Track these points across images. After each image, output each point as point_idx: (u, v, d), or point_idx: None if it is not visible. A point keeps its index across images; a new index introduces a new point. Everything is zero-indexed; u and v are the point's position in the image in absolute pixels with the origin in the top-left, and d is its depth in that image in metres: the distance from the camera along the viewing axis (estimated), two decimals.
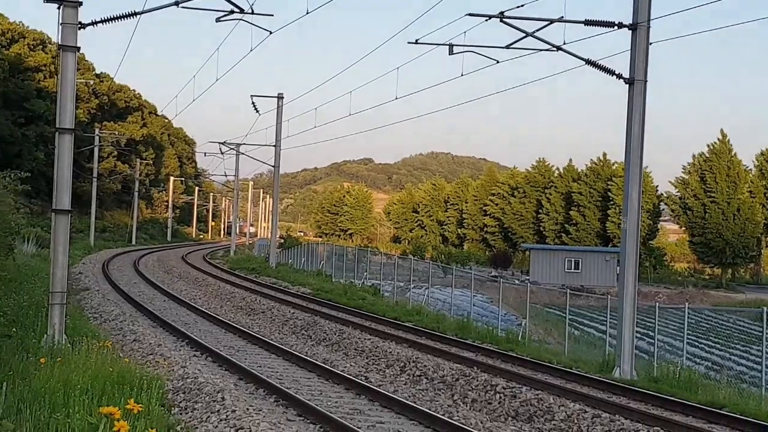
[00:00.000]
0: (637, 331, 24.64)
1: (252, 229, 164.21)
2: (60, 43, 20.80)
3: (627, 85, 23.94)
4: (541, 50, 24.88)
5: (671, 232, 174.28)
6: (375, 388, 19.18)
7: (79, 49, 20.88)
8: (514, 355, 25.57)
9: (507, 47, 24.76)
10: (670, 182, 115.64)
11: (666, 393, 20.40)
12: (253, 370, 20.22)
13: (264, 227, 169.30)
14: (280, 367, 22.26)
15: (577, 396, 19.46)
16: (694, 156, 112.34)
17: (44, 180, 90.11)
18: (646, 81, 23.87)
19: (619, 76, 24.03)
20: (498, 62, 25.79)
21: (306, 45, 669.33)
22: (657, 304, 31.13)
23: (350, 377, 20.33)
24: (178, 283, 50.45)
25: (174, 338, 26.27)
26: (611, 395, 20.35)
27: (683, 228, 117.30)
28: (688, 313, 28.05)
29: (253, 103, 59.30)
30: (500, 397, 19.27)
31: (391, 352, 24.37)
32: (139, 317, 31.15)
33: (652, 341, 41.86)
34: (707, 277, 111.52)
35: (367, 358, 24.49)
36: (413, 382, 21.47)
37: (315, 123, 52.35)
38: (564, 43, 24.17)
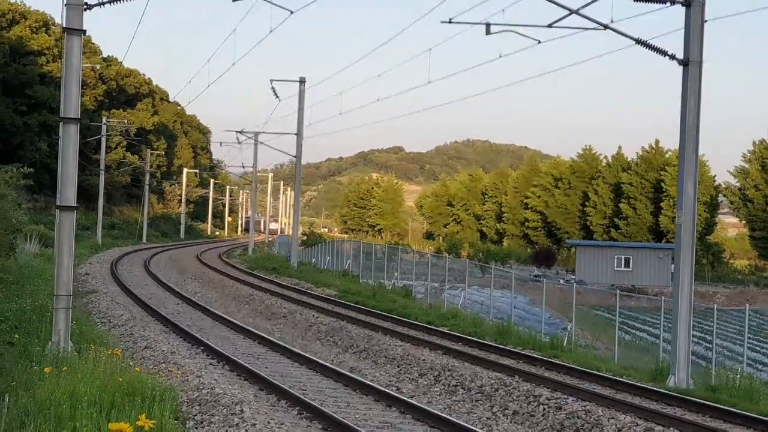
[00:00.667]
0: (693, 335, 24.50)
1: (273, 225, 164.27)
2: (64, 25, 20.94)
3: (681, 67, 23.80)
4: (586, 29, 24.80)
5: (730, 226, 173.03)
6: (407, 399, 19.19)
7: (85, 32, 21.02)
8: (559, 362, 25.51)
9: (549, 26, 24.68)
10: (728, 172, 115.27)
11: (725, 403, 20.30)
12: (274, 380, 20.29)
13: (285, 223, 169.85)
14: (303, 376, 22.33)
15: (627, 407, 19.38)
16: (754, 143, 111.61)
17: (48, 173, 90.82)
18: (701, 62, 23.74)
19: (673, 57, 23.91)
20: (540, 42, 25.76)
21: (330, 25, 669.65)
22: (715, 305, 30.93)
23: (380, 387, 20.35)
24: (193, 284, 50.71)
25: (188, 345, 26.41)
26: (665, 406, 20.27)
27: (743, 221, 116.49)
28: (749, 315, 27.80)
29: (272, 87, 59.51)
30: (544, 409, 19.23)
31: (424, 360, 24.37)
32: (151, 322, 31.34)
33: (710, 346, 41.72)
34: None
35: (398, 367, 24.51)
36: (448, 392, 21.47)
37: (340, 109, 52.33)
38: (612, 21, 24.07)
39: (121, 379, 16.06)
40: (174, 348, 24.02)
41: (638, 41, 24.41)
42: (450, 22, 26.13)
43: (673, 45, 24.18)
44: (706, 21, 23.59)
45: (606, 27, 24.36)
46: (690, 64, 23.66)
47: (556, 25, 24.65)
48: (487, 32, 24.93)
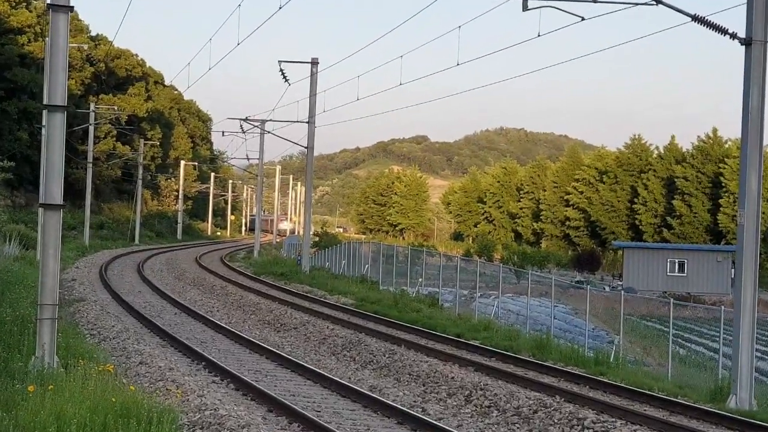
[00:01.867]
0: (756, 350, 24.48)
1: (283, 225, 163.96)
2: (49, 0, 21.05)
3: (743, 47, 23.76)
4: (636, 4, 24.78)
5: None
6: (434, 422, 19.23)
7: (72, 8, 21.12)
8: (605, 380, 25.51)
9: (595, 1, 24.67)
10: None
11: None
12: (285, 400, 20.36)
13: (295, 221, 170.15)
14: (317, 395, 22.40)
15: (683, 431, 19.40)
16: None
17: (29, 165, 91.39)
18: (767, 41, 23.67)
19: (734, 36, 23.87)
20: (583, 19, 25.71)
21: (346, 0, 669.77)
22: None
23: (404, 408, 20.40)
24: (192, 291, 50.90)
25: (188, 360, 26.53)
26: (725, 430, 20.26)
27: None
28: None
29: (281, 70, 59.65)
30: None
31: (453, 378, 24.41)
32: (146, 334, 31.48)
33: None
34: None
35: (423, 385, 24.56)
36: (481, 414, 21.51)
37: (358, 95, 52.41)
38: None
39: (114, 399, 16.15)
40: (172, 364, 24.12)
41: (695, 18, 24.40)
42: None
43: (734, 22, 24.15)
44: None
45: (658, 2, 24.35)
46: (753, 43, 23.62)
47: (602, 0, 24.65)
48: (525, 8, 24.92)
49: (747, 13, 23.68)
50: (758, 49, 23.62)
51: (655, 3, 24.37)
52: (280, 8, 32.34)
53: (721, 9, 25.37)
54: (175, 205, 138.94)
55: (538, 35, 27.75)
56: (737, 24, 23.95)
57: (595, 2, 24.76)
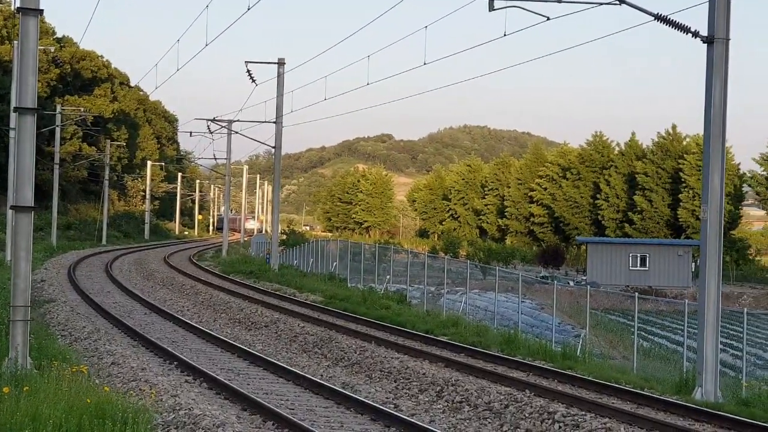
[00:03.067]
0: (720, 342, 24.60)
1: (251, 224, 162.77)
2: (18, 4, 20.90)
3: (705, 45, 23.87)
4: (600, 4, 24.85)
5: (755, 220, 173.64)
6: (407, 418, 19.23)
7: (42, 11, 21.00)
8: (573, 374, 25.59)
9: (559, 1, 24.74)
10: (753, 159, 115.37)
11: (760, 419, 20.36)
12: (258, 398, 20.32)
13: (262, 220, 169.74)
14: (290, 393, 22.36)
15: (652, 424, 19.47)
16: None
17: None
18: (728, 40, 23.82)
19: (696, 34, 23.99)
20: (549, 19, 25.78)
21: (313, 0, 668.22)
22: (745, 308, 31.05)
23: (376, 405, 20.40)
24: (161, 291, 50.70)
25: (160, 360, 26.41)
26: (693, 422, 20.35)
27: None
28: None
29: (248, 70, 59.50)
30: (560, 427, 19.32)
31: (424, 374, 24.44)
32: (117, 334, 31.32)
33: (738, 354, 41.95)
34: None
35: (395, 382, 24.57)
36: (453, 410, 21.53)
37: (325, 94, 52.26)
38: None
39: (88, 400, 16.10)
40: (144, 364, 24.02)
41: (657, 17, 24.51)
42: None
43: (695, 21, 24.30)
44: None
45: (622, 1, 24.45)
46: (715, 41, 23.73)
47: None
48: (491, 8, 24.97)
49: (709, 11, 23.79)
50: (720, 47, 23.73)
51: (618, 3, 24.47)
52: (249, 9, 32.24)
53: (683, 8, 25.42)
54: (142, 205, 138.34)
55: (504, 35, 27.80)
56: (699, 23, 24.10)
57: (559, 2, 24.83)
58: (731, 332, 51.36)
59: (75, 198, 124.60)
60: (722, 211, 24.13)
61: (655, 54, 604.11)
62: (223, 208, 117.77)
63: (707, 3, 23.84)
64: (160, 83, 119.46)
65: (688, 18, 25.38)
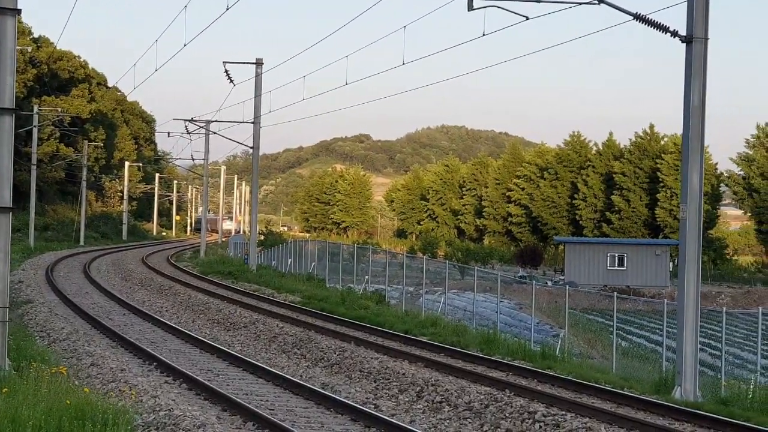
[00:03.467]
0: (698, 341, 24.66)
1: (228, 225, 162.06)
2: None
3: (684, 45, 23.94)
4: (579, 3, 24.89)
5: (732, 219, 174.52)
6: (387, 418, 19.21)
7: (20, 11, 20.89)
8: (553, 373, 25.62)
9: (538, 0, 24.77)
10: (730, 159, 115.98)
11: (739, 417, 20.44)
12: (238, 399, 20.27)
13: (240, 221, 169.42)
14: (270, 394, 22.31)
15: (632, 423, 19.50)
16: (758, 126, 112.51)
17: None
18: (707, 39, 23.88)
19: (675, 34, 24.06)
20: (528, 19, 25.80)
21: (292, 0, 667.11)
22: (724, 308, 31.17)
23: (356, 405, 20.37)
24: (140, 292, 50.56)
25: (140, 361, 26.33)
26: (672, 421, 20.39)
27: (748, 213, 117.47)
28: (758, 318, 27.98)
29: (226, 71, 59.48)
30: (540, 427, 19.32)
31: (404, 374, 24.42)
32: (96, 335, 31.21)
33: (716, 353, 42.11)
34: None
35: (375, 382, 24.54)
36: (433, 410, 21.52)
37: (303, 95, 52.24)
38: None
39: (68, 401, 16.02)
40: (124, 364, 23.94)
41: (636, 16, 24.57)
42: None
43: (673, 20, 24.37)
44: None
45: (601, 1, 24.49)
46: (694, 41, 23.79)
47: None
48: (470, 8, 24.97)
49: (687, 11, 23.86)
50: (699, 47, 23.80)
51: (597, 2, 24.51)
52: (228, 9, 32.14)
53: (661, 7, 25.49)
54: (119, 206, 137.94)
55: (483, 34, 27.80)
56: (677, 22, 24.16)
57: (539, 2, 24.86)
58: (709, 332, 51.55)
59: (52, 199, 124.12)
60: (701, 211, 24.20)
61: (634, 54, 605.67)
62: (200, 209, 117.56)
63: (686, 3, 23.90)
64: (138, 84, 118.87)
65: (666, 17, 25.45)
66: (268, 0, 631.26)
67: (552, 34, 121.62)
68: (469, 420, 20.48)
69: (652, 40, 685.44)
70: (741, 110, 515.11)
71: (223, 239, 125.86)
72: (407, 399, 22.58)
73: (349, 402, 20.81)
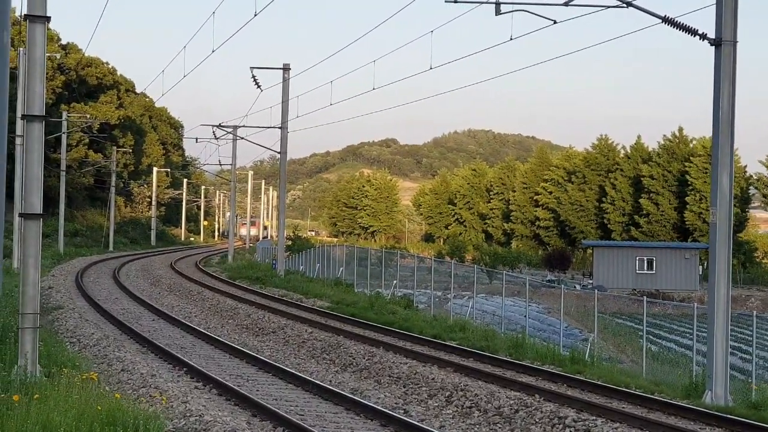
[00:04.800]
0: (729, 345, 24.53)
1: (244, 232, 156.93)
2: (26, 11, 20.90)
3: (713, 48, 23.83)
4: (608, 7, 24.85)
5: (762, 222, 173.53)
6: (417, 423, 19.21)
7: (49, 18, 21.01)
8: (583, 378, 25.56)
9: (566, 4, 24.71)
10: (760, 161, 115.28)
11: None
12: (268, 405, 20.29)
13: (268, 225, 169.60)
14: (299, 399, 22.34)
15: (663, 428, 19.46)
16: None
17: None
18: (736, 42, 23.77)
19: (704, 37, 23.95)
20: (555, 22, 25.75)
21: (318, 4, 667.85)
22: (754, 312, 31.00)
23: (386, 410, 20.37)
24: (169, 297, 50.71)
25: (169, 366, 26.40)
26: (704, 426, 20.33)
27: None
28: None
29: (253, 76, 59.56)
30: None
31: (433, 379, 24.40)
32: (125, 341, 31.33)
33: (746, 357, 41.87)
34: None
35: (404, 387, 24.54)
36: (463, 415, 21.49)
37: (331, 99, 52.15)
38: None
39: (99, 407, 16.05)
40: (154, 370, 24.01)
41: (665, 19, 24.47)
42: (456, 1, 26.16)
43: (702, 23, 24.26)
44: None
45: (629, 4, 24.41)
46: (723, 44, 23.68)
47: (573, 3, 24.68)
48: (497, 12, 24.96)
49: (716, 14, 23.75)
50: (728, 50, 23.69)
51: (625, 5, 24.43)
52: (256, 15, 32.22)
53: (690, 10, 25.39)
54: (148, 211, 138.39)
55: (511, 39, 27.78)
56: (705, 25, 24.07)
57: (566, 5, 24.80)
58: (739, 335, 51.23)
59: (81, 205, 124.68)
60: (731, 214, 24.08)
61: (662, 56, 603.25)
62: (228, 214, 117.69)
63: (714, 5, 23.81)
64: (167, 90, 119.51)
65: (695, 20, 25.37)
66: (295, 5, 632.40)
67: (580, 38, 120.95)
68: (498, 425, 20.44)
69: (681, 43, 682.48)
70: None
71: (249, 245, 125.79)
72: (437, 404, 22.56)
73: (378, 407, 20.80)
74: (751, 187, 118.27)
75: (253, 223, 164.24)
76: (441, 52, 41.15)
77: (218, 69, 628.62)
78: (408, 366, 26.46)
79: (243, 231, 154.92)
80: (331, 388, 23.13)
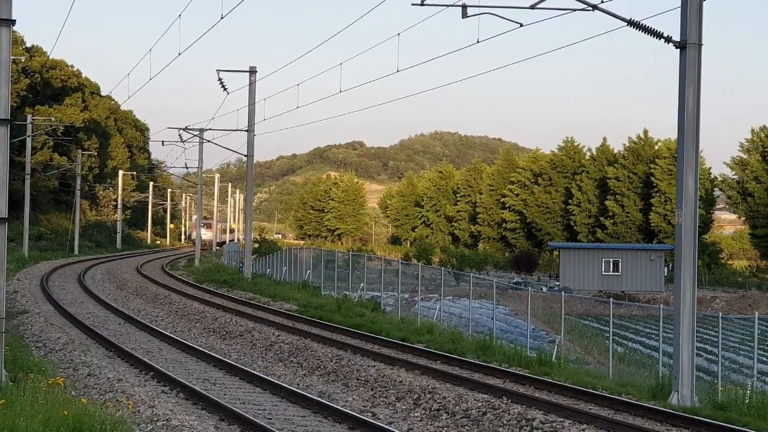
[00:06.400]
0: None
1: (205, 234, 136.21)
2: None
3: (678, 51, 23.97)
4: (574, 10, 24.91)
5: (727, 223, 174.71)
6: (385, 426, 19.22)
7: (14, 21, 20.91)
8: (550, 380, 25.63)
9: (533, 7, 24.77)
10: (725, 163, 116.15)
11: (736, 423, 20.44)
12: (236, 408, 20.25)
13: (236, 228, 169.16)
14: (267, 403, 22.30)
15: (631, 430, 19.54)
16: (753, 130, 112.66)
17: None
18: (701, 45, 23.91)
19: (669, 40, 24.08)
20: (522, 25, 25.84)
21: (285, 6, 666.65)
22: (720, 313, 31.17)
23: (354, 414, 20.38)
24: (135, 301, 50.50)
25: (136, 371, 26.30)
26: (671, 427, 20.41)
27: (742, 218, 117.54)
28: (756, 323, 27.99)
29: (220, 79, 59.44)
30: None
31: (401, 381, 24.41)
32: (92, 345, 31.17)
33: (711, 357, 42.06)
34: None
35: (372, 390, 24.54)
36: (431, 417, 21.52)
37: (298, 102, 52.14)
38: (602, 2, 24.19)
39: (66, 412, 15.98)
40: (120, 375, 23.92)
41: (630, 22, 24.56)
42: (422, 4, 26.19)
43: (667, 26, 24.40)
44: None
45: (595, 8, 24.49)
46: (688, 46, 23.82)
47: (539, 6, 24.75)
48: (464, 15, 24.99)
49: (681, 17, 23.88)
50: (693, 52, 23.82)
51: (591, 9, 24.52)
52: (222, 17, 32.14)
53: (655, 13, 25.58)
54: (113, 214, 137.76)
55: (478, 41, 27.85)
56: (670, 28, 24.19)
57: (533, 9, 24.87)
58: (704, 336, 51.53)
59: (46, 208, 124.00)
60: (697, 216, 24.21)
61: (627, 59, 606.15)
62: (195, 217, 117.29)
63: (680, 9, 23.94)
64: (133, 93, 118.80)
65: (660, 23, 25.49)
66: (262, 8, 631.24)
67: (546, 40, 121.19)
68: (467, 428, 20.48)
69: (646, 46, 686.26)
70: (734, 114, 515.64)
71: (215, 249, 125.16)
72: (405, 407, 22.58)
73: (346, 410, 20.81)
74: (715, 189, 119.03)
75: (208, 226, 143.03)
76: (408, 54, 41.20)
77: (185, 72, 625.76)
78: (376, 369, 26.47)
79: (203, 234, 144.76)
80: (298, 391, 23.11)
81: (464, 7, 25.02)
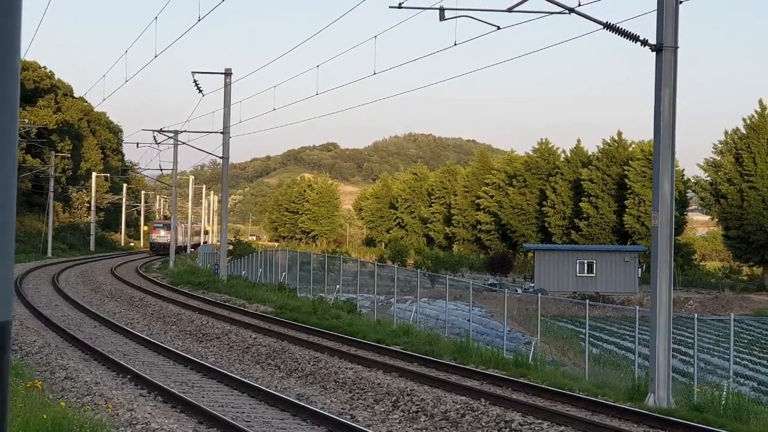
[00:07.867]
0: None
1: (161, 236, 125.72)
2: None
3: (654, 53, 24.12)
4: (551, 13, 25.05)
5: (700, 225, 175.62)
6: (364, 429, 19.25)
7: None
8: (527, 382, 25.74)
9: (510, 10, 24.91)
10: (698, 165, 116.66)
11: (713, 424, 20.59)
12: (214, 411, 20.26)
13: (210, 231, 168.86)
14: (245, 405, 22.30)
15: (608, 431, 19.61)
16: (726, 132, 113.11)
17: None
18: (676, 47, 24.08)
19: (645, 43, 24.23)
20: (499, 28, 25.96)
21: (261, 9, 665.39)
22: (695, 314, 31.37)
23: (332, 416, 20.40)
24: (110, 303, 50.37)
25: (113, 374, 26.25)
26: (648, 428, 20.54)
27: (715, 219, 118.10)
28: (726, 324, 28.16)
29: (195, 81, 59.34)
30: None
31: (379, 384, 24.46)
32: (68, 348, 31.10)
33: (686, 359, 42.27)
34: (745, 277, 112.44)
35: (350, 392, 24.57)
36: (409, 419, 21.56)
37: (274, 105, 52.23)
38: (579, 5, 24.33)
39: (45, 416, 15.93)
40: (98, 378, 23.87)
41: (606, 25, 24.73)
42: (400, 6, 26.27)
43: (643, 30, 24.54)
44: (681, 2, 23.93)
45: (572, 11, 24.64)
46: (664, 50, 23.97)
47: (516, 9, 24.89)
48: (441, 17, 25.09)
49: (657, 20, 24.03)
50: (669, 55, 23.98)
51: (568, 12, 24.66)
52: (200, 20, 32.11)
53: (632, 16, 25.71)
54: (87, 216, 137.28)
55: (455, 44, 27.94)
56: (647, 31, 24.34)
57: (510, 11, 24.99)
58: (679, 338, 51.73)
59: (19, 210, 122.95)
60: (672, 218, 24.36)
61: (604, 61, 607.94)
62: (171, 220, 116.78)
63: (656, 12, 24.09)
64: (108, 95, 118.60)
65: (637, 27, 25.65)
66: (238, 10, 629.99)
67: (522, 44, 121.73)
68: (446, 429, 20.53)
69: (623, 48, 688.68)
70: (708, 115, 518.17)
71: (190, 251, 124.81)
72: (383, 409, 22.61)
73: (325, 413, 20.83)
74: (689, 191, 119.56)
75: (166, 227, 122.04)
76: (385, 57, 41.28)
77: (160, 74, 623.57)
78: (353, 371, 26.51)
79: (154, 236, 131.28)
80: (277, 393, 23.12)
81: (442, 9, 25.12)
